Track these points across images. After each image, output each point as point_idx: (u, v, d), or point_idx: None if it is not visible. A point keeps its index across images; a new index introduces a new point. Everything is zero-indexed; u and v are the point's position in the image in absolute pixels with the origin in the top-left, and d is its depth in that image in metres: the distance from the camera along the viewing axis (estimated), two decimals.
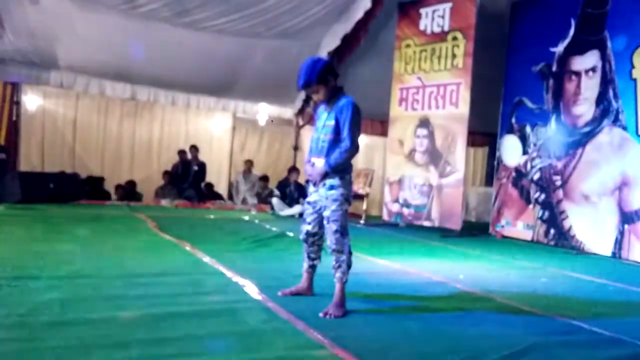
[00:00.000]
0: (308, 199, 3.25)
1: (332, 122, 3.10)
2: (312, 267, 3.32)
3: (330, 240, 3.07)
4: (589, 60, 6.62)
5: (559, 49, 6.97)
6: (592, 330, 2.99)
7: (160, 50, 8.01)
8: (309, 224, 3.23)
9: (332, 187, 3.08)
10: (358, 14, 8.00)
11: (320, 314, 2.88)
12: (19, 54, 7.65)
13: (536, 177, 7.24)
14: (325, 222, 3.10)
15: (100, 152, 9.54)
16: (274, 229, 6.58)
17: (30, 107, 8.68)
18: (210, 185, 9.91)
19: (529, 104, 7.41)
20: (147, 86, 8.83)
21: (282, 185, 9.36)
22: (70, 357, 2.10)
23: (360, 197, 8.50)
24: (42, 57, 7.79)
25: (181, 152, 9.64)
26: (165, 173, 9.57)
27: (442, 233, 7.38)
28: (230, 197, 10.04)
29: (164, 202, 8.75)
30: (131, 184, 9.35)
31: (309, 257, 3.31)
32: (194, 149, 9.67)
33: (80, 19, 7.24)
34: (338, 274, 3.05)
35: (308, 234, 3.25)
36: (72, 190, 7.99)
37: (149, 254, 4.38)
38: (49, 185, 7.60)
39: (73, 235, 5.08)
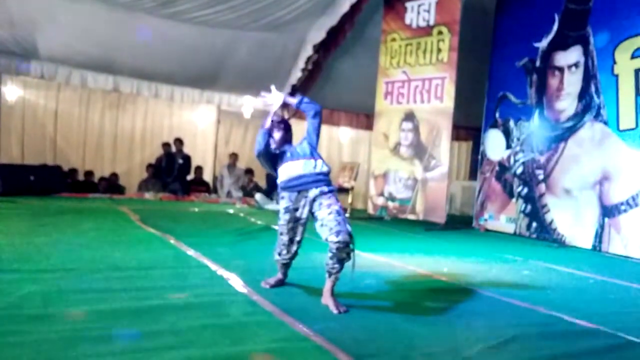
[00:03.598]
0: (299, 215, 3.16)
1: (307, 148, 3.23)
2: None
3: (343, 236, 2.92)
4: (571, 55, 6.69)
5: (543, 44, 7.03)
6: (573, 322, 3.04)
7: (143, 42, 7.90)
8: (299, 242, 3.24)
9: (331, 191, 3.14)
10: (344, 7, 7.98)
11: (336, 312, 2.87)
12: None
13: (519, 171, 7.32)
14: (332, 217, 2.99)
15: (82, 145, 9.40)
16: (258, 222, 6.57)
17: (10, 97, 8.51)
18: (199, 170, 9.83)
19: (513, 99, 7.48)
20: (130, 78, 8.71)
21: (270, 177, 9.35)
22: (52, 351, 2.07)
23: (345, 191, 8.52)
24: (23, 47, 7.63)
25: (165, 145, 9.56)
26: (149, 166, 9.49)
27: (427, 226, 7.44)
28: (215, 190, 10.00)
29: (148, 195, 8.68)
30: (114, 177, 9.26)
31: (284, 273, 3.39)
32: (179, 142, 9.59)
33: (61, 8, 7.11)
34: (336, 275, 3.00)
35: (295, 254, 3.27)
36: (54, 182, 7.88)
37: (132, 247, 4.34)
38: (30, 177, 7.48)
39: (54, 228, 5.00)
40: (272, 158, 3.26)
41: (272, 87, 3.40)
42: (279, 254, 3.28)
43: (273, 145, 3.26)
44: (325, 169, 3.18)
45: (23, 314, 2.47)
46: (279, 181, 3.24)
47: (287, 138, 3.31)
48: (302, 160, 3.16)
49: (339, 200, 3.16)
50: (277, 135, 3.27)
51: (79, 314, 2.52)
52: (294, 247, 3.24)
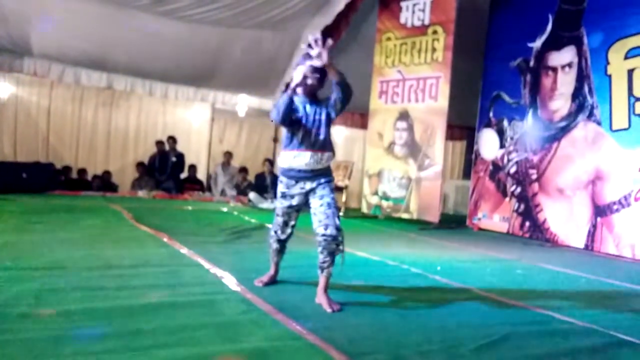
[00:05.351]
0: (294, 202, 3.17)
1: (323, 117, 3.11)
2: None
3: (330, 230, 2.97)
4: (565, 56, 6.72)
5: (537, 44, 7.06)
6: (565, 321, 3.05)
7: (137, 39, 7.86)
8: (293, 226, 3.26)
9: (328, 181, 3.12)
10: (339, 6, 7.96)
11: (329, 310, 2.87)
12: None
13: (512, 170, 7.35)
14: (322, 209, 3.02)
15: (75, 142, 9.35)
16: (252, 220, 6.56)
17: (3, 95, 8.46)
18: (193, 168, 9.81)
19: (507, 99, 7.50)
20: (124, 75, 8.66)
21: (259, 178, 9.35)
22: (44, 349, 2.06)
23: (339, 189, 8.52)
24: (16, 43, 7.58)
25: (159, 143, 9.53)
26: (139, 165, 9.45)
27: (421, 225, 7.45)
28: (209, 188, 9.98)
29: (141, 193, 8.65)
30: (108, 175, 9.22)
31: (277, 263, 3.39)
32: (172, 140, 9.56)
33: (55, 5, 7.06)
34: (329, 270, 3.03)
35: (290, 235, 3.28)
36: (46, 180, 7.83)
37: (125, 245, 4.32)
38: (22, 175, 7.43)
39: (47, 226, 4.98)
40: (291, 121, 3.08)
41: (329, 41, 3.04)
42: (275, 232, 3.31)
43: (299, 91, 3.09)
44: (329, 162, 3.16)
45: (15, 312, 2.45)
46: (280, 164, 3.21)
47: (318, 87, 3.17)
48: (309, 153, 3.05)
49: (333, 190, 3.15)
50: (310, 82, 3.10)
51: (73, 311, 2.50)
52: (289, 230, 3.28)
